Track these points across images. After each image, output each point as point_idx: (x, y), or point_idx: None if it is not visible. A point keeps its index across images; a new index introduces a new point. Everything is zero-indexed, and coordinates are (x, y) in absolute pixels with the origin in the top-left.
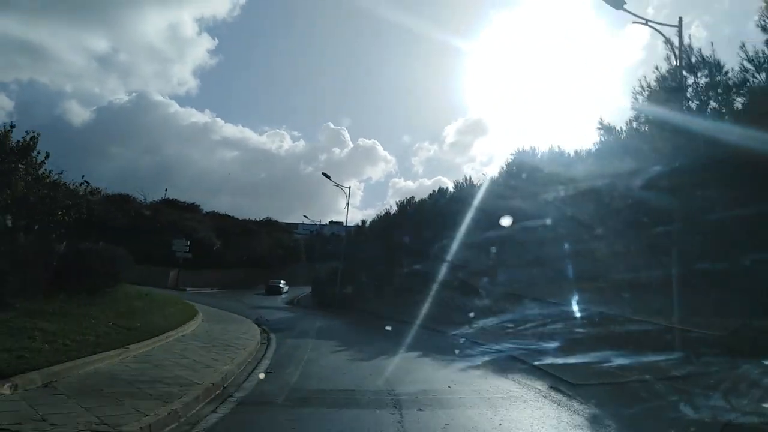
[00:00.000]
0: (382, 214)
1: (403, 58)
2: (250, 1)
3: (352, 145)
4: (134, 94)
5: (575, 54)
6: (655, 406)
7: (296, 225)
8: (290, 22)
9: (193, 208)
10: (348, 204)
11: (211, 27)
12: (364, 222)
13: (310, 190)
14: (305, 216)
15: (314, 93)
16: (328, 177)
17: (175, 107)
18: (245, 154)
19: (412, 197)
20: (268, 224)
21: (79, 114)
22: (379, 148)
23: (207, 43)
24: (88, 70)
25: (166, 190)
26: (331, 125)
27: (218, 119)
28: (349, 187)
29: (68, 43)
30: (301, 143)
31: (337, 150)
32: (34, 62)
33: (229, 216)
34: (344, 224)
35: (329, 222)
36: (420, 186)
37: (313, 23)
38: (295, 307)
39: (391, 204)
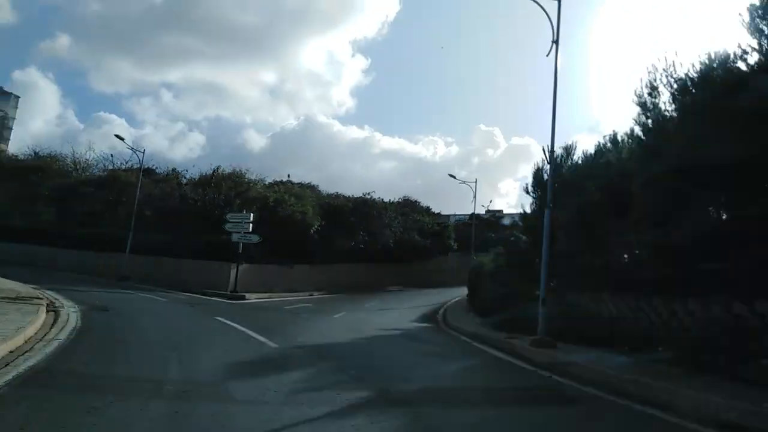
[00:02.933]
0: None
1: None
2: (396, 18)
3: (506, 145)
4: (301, 118)
5: None
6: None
7: (447, 216)
8: (434, 32)
9: (309, 187)
10: None
11: (363, 47)
12: (566, 149)
13: (465, 193)
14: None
15: (464, 96)
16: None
17: (337, 126)
18: (402, 164)
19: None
20: (405, 205)
21: (257, 141)
22: (534, 144)
23: (360, 63)
24: (262, 101)
25: (288, 175)
26: (482, 127)
27: (376, 133)
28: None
29: (245, 80)
30: (455, 148)
31: (490, 151)
32: (219, 100)
33: (343, 195)
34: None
35: (486, 209)
36: None
37: (455, 31)
38: (428, 330)
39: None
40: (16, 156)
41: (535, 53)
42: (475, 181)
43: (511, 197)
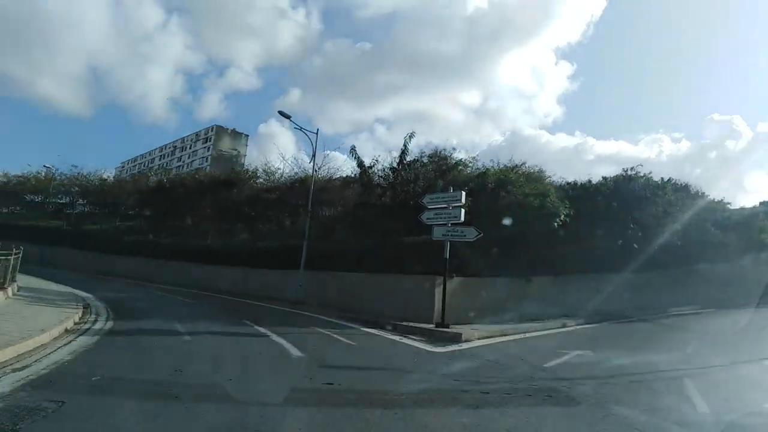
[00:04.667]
0: None
1: None
2: (603, 17)
3: (751, 134)
4: (507, 133)
5: None
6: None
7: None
8: (646, 23)
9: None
10: None
11: (567, 53)
12: None
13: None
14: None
15: (689, 86)
16: None
17: (545, 136)
18: (621, 169)
19: None
20: (675, 189)
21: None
22: None
23: (566, 69)
24: (467, 122)
25: (512, 161)
26: (717, 116)
27: (589, 138)
28: None
29: (449, 105)
30: (684, 144)
31: (731, 143)
32: (427, 127)
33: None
34: None
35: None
36: None
37: (669, 18)
38: None
39: None
40: (213, 173)
41: None
42: None
43: (763, 193)
